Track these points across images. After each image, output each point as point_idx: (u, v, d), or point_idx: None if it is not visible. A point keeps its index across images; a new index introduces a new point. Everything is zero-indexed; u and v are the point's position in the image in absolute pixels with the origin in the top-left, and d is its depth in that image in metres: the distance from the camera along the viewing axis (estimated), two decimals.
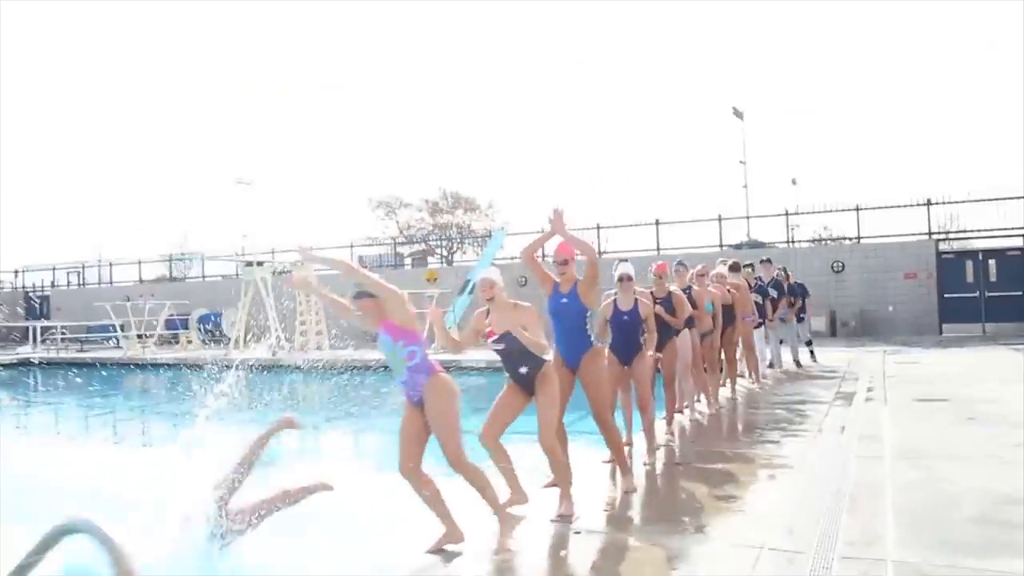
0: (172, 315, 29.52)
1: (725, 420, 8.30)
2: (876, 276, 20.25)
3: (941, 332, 19.56)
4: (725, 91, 62.14)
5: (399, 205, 43.64)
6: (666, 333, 7.24)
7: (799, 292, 13.23)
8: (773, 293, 12.39)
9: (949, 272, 19.87)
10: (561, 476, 4.85)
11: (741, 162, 34.07)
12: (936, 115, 55.88)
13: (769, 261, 12.74)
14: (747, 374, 11.00)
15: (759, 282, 11.95)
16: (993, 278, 19.62)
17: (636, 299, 6.04)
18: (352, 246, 28.18)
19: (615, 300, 6.09)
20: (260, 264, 22.41)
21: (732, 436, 7.42)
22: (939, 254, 19.98)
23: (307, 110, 67.27)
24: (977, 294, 19.63)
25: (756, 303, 11.25)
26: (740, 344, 10.72)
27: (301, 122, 67.24)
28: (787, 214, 21.95)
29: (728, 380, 9.89)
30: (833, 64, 59.89)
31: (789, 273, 13.40)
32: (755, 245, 22.66)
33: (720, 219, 22.22)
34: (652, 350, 6.18)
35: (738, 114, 34.27)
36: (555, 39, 65.17)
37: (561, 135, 62.72)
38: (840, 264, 20.61)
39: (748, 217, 22.02)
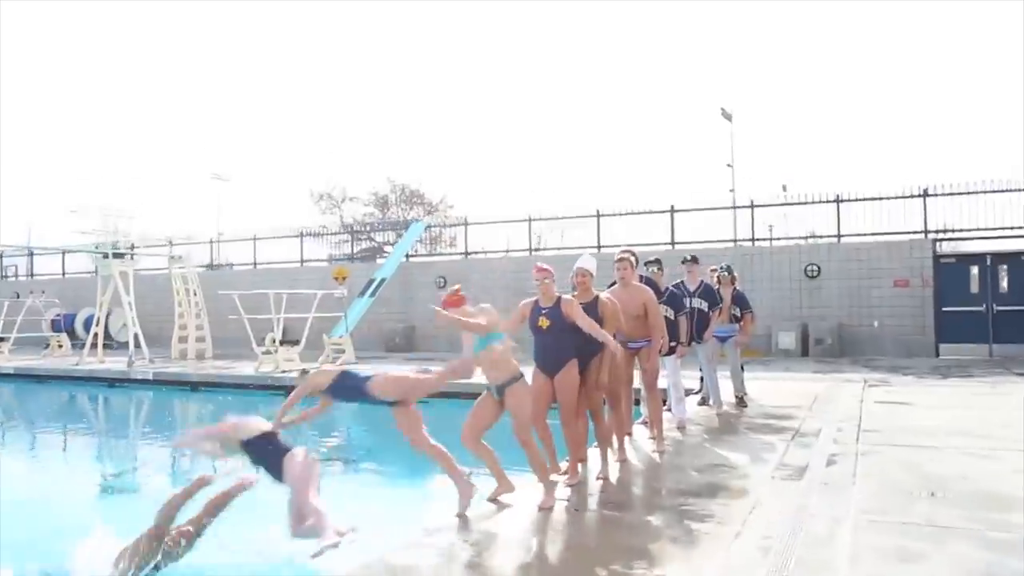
0: (58, 315, 25.85)
1: (527, 550, 4.46)
2: (859, 283, 16.50)
3: (938, 354, 15.84)
4: (713, 92, 58.46)
5: (344, 198, 39.80)
6: None
7: (741, 303, 9.48)
8: (701, 305, 8.67)
9: (949, 279, 16.13)
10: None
11: (728, 165, 30.99)
12: (933, 111, 52.34)
13: (695, 260, 8.99)
14: (649, 429, 7.20)
15: (677, 289, 8.17)
16: (1003, 288, 15.91)
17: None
18: (256, 238, 24.17)
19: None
20: (120, 256, 18.49)
21: None
22: (937, 257, 16.23)
23: (255, 99, 63.30)
24: (983, 307, 15.89)
25: (666, 319, 7.49)
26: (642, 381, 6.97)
27: (249, 111, 63.17)
28: (752, 206, 18.14)
29: (601, 445, 6.05)
30: (824, 68, 56.34)
31: (734, 274, 9.63)
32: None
33: (672, 211, 18.41)
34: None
35: (726, 116, 31.30)
36: (534, 34, 61.49)
37: (538, 131, 58.95)
38: (815, 268, 16.86)
39: (702, 209, 18.12)
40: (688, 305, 8.54)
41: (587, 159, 56.72)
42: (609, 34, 60.76)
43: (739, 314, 9.39)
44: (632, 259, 6.52)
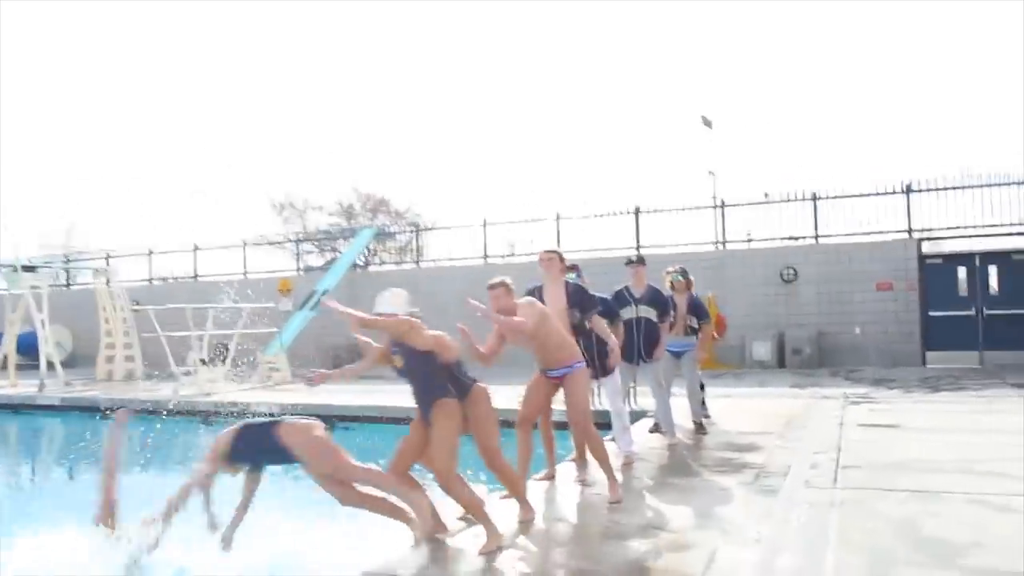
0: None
1: None
2: (839, 287, 15.17)
3: (925, 362, 14.52)
4: (693, 99, 57.20)
5: (307, 208, 38.16)
6: None
7: (698, 312, 8.02)
8: (649, 313, 7.22)
9: (935, 281, 14.86)
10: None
11: (710, 173, 29.79)
12: (915, 107, 51.38)
13: (640, 261, 7.49)
14: (577, 471, 5.71)
15: (619, 296, 6.73)
16: (994, 290, 14.65)
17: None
18: (196, 248, 22.51)
19: None
20: (32, 269, 16.86)
21: None
22: (922, 258, 14.93)
23: (233, 110, 61.56)
24: (972, 311, 14.62)
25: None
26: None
27: (231, 122, 61.41)
28: (723, 205, 16.78)
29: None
30: (803, 73, 55.36)
31: (689, 278, 8.18)
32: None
33: (637, 212, 17.02)
34: None
35: (707, 123, 30.06)
36: (511, 41, 60.24)
37: (515, 139, 57.50)
38: (791, 271, 15.50)
39: (669, 210, 16.71)
40: (634, 314, 7.17)
41: (566, 170, 55.40)
42: (584, 41, 59.66)
43: (696, 325, 7.95)
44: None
